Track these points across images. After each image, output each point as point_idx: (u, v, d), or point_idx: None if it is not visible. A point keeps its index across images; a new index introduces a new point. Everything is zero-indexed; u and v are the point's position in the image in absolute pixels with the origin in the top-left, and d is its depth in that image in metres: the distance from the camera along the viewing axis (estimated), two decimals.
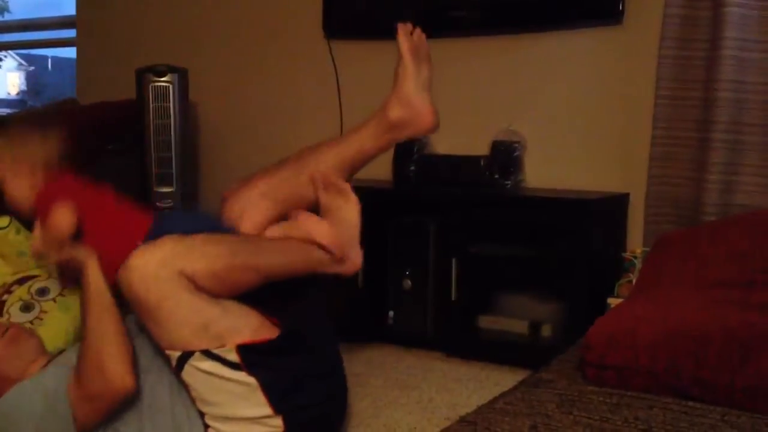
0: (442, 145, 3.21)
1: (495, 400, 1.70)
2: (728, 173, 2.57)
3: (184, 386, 1.72)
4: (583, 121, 2.95)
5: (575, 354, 1.86)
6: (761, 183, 2.56)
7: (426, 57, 2.23)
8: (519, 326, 2.70)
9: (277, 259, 1.80)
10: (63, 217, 1.81)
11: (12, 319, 2.73)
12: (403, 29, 2.20)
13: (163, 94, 3.26)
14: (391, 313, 2.86)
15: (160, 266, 1.62)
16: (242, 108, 3.77)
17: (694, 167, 2.63)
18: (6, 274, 2.90)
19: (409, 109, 2.16)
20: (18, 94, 6.94)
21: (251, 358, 1.67)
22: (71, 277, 1.87)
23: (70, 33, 4.49)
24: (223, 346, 1.66)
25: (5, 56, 5.98)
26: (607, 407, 1.59)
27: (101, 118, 3.68)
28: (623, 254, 2.65)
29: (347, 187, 2.05)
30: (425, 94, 2.18)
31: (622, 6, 2.80)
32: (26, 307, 2.78)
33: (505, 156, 2.95)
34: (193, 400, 1.74)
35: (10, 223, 2.96)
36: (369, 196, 3.04)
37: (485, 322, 2.77)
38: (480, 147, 3.02)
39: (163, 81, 3.26)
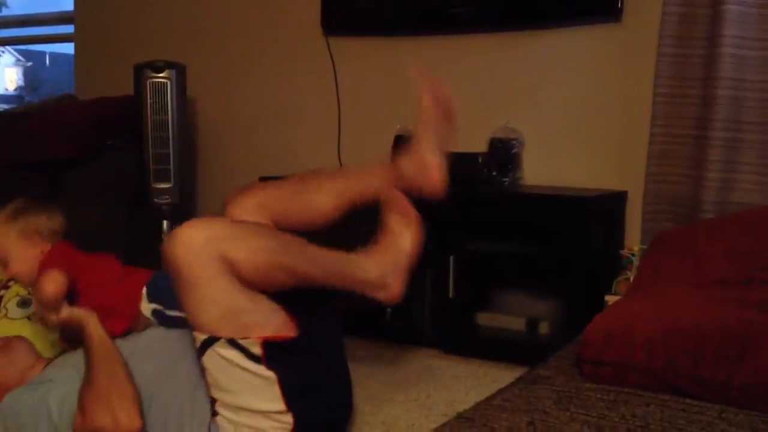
0: None
1: (492, 396, 1.70)
2: (726, 171, 2.57)
3: (202, 370, 1.73)
4: (582, 119, 2.95)
5: (573, 351, 1.86)
6: (759, 181, 2.56)
7: (450, 115, 2.13)
8: (517, 323, 2.70)
9: (318, 269, 1.79)
10: (52, 282, 1.86)
11: (9, 315, 2.73)
12: (427, 81, 2.09)
13: (160, 90, 3.26)
14: (388, 311, 2.86)
15: (205, 244, 1.63)
16: (240, 104, 3.76)
17: (692, 165, 2.63)
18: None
19: (422, 170, 2.07)
20: (16, 89, 6.92)
21: (273, 353, 1.68)
22: (73, 337, 1.88)
23: (68, 29, 4.48)
24: (247, 337, 1.67)
25: (3, 52, 5.97)
26: (604, 404, 1.59)
27: (99, 113, 3.68)
28: (621, 252, 2.65)
29: (414, 216, 2.00)
30: (441, 159, 2.09)
31: (621, 4, 2.80)
32: (23, 303, 2.78)
33: (503, 153, 2.95)
34: (207, 386, 1.75)
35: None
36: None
37: (483, 319, 2.77)
38: (478, 144, 3.02)
39: (161, 77, 3.26)
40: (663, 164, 2.68)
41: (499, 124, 3.01)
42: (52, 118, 3.76)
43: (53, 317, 1.91)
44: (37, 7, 5.14)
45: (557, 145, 2.99)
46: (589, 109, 2.94)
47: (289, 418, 1.72)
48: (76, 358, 1.84)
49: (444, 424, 1.52)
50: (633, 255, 2.56)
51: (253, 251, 1.67)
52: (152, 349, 1.91)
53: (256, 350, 1.68)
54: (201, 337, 1.69)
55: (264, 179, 3.25)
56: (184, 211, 3.61)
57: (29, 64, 7.00)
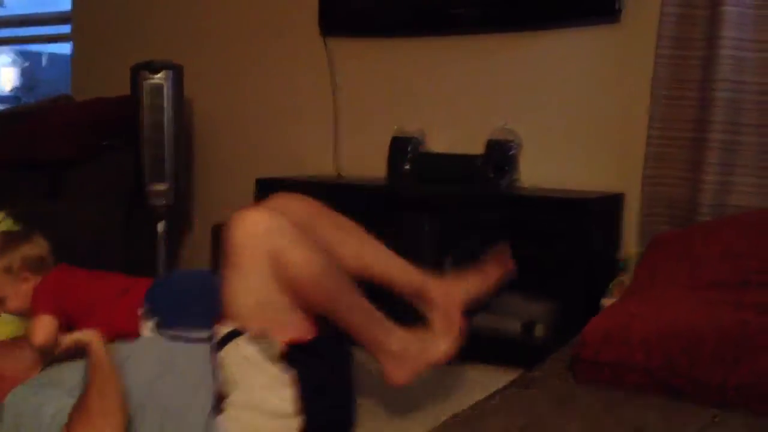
0: (438, 143, 3.20)
1: (487, 398, 1.69)
2: (724, 174, 2.55)
3: (215, 365, 1.74)
4: (580, 121, 2.95)
5: (568, 353, 1.85)
6: (757, 183, 2.55)
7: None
8: (512, 326, 2.69)
9: (353, 311, 1.82)
10: (41, 329, 1.86)
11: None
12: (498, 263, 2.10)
13: (157, 91, 3.25)
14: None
15: (265, 234, 1.67)
16: (238, 105, 3.75)
17: (689, 167, 2.62)
18: None
19: (446, 320, 2.05)
20: (12, 90, 6.90)
21: (293, 354, 1.70)
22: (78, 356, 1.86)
23: (65, 29, 4.47)
24: (267, 336, 1.69)
25: (0, 52, 5.96)
26: (600, 406, 1.58)
27: (96, 114, 3.67)
28: (618, 255, 2.63)
29: (458, 331, 2.00)
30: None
31: (620, 5, 2.79)
32: None
33: (501, 155, 2.94)
34: (218, 382, 1.75)
35: (4, 218, 2.95)
36: (363, 194, 3.06)
37: (478, 321, 2.75)
38: (475, 146, 3.01)
39: (158, 78, 3.25)
40: (660, 167, 2.67)
41: (496, 126, 3.00)
42: (49, 119, 3.75)
43: (56, 349, 1.88)
44: (34, 7, 5.11)
45: (555, 147, 2.98)
46: (587, 110, 2.93)
47: (295, 423, 1.72)
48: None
49: (438, 426, 1.51)
50: (629, 258, 2.55)
51: (306, 262, 1.70)
52: (151, 350, 1.90)
53: (278, 349, 1.69)
54: (224, 330, 1.71)
55: (261, 181, 3.25)
56: (179, 212, 3.61)
57: (26, 64, 6.98)
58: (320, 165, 3.49)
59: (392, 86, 3.35)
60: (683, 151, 2.63)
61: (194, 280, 2.03)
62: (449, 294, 2.05)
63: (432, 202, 2.86)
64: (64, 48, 4.67)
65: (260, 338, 1.69)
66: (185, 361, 1.84)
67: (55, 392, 1.78)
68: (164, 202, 3.25)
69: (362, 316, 1.85)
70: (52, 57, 6.86)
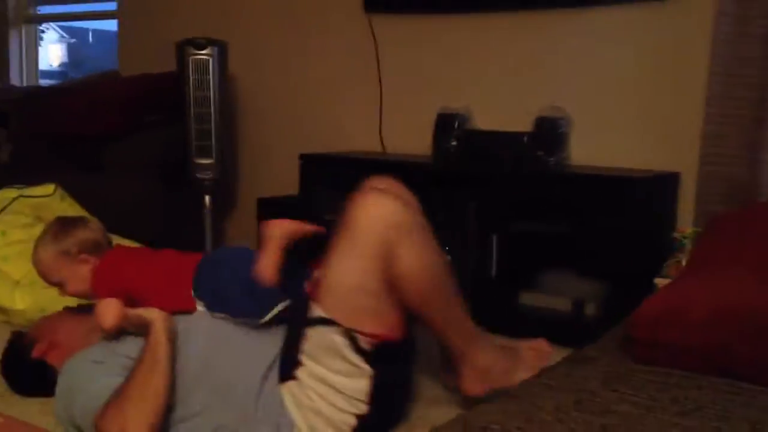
0: (484, 120, 3.16)
1: (538, 375, 1.67)
2: None
3: (299, 336, 1.75)
4: (632, 98, 2.88)
5: (621, 332, 1.81)
6: None
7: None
8: (562, 304, 2.65)
9: (448, 326, 1.83)
10: (108, 315, 1.81)
11: None
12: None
13: (202, 66, 3.25)
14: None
15: (390, 223, 1.68)
16: (281, 81, 3.74)
17: (748, 147, 2.55)
18: None
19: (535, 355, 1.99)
20: (59, 66, 6.99)
21: (379, 352, 1.71)
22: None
23: (111, 6, 4.49)
24: (357, 334, 1.70)
25: (47, 29, 6.02)
26: (654, 386, 1.55)
27: (142, 89, 3.70)
28: (673, 234, 2.58)
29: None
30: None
31: None
32: None
33: (550, 132, 2.89)
34: (299, 350, 1.76)
35: (54, 191, 2.99)
36: (408, 171, 3.03)
37: (527, 299, 2.73)
38: (523, 123, 2.97)
39: (203, 54, 3.25)
40: (717, 145, 2.60)
41: (545, 103, 2.95)
42: (96, 94, 3.79)
43: (126, 327, 1.87)
44: None
45: (606, 125, 2.92)
46: (639, 88, 2.86)
47: (359, 411, 1.74)
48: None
49: (491, 402, 1.49)
50: (685, 238, 2.49)
51: (419, 266, 1.71)
52: (206, 323, 1.91)
53: (366, 346, 1.71)
54: (320, 312, 1.71)
55: (305, 156, 3.25)
56: (224, 186, 3.62)
57: (73, 40, 7.05)
58: (365, 141, 3.47)
59: (438, 63, 3.31)
60: (742, 130, 2.56)
61: (238, 261, 2.01)
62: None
63: (478, 180, 2.82)
64: (110, 24, 4.70)
65: (350, 334, 1.70)
66: (239, 333, 1.86)
67: (106, 368, 1.78)
68: (210, 176, 3.26)
69: (456, 327, 1.85)
70: (98, 33, 6.93)
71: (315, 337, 1.73)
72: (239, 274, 1.93)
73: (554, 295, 2.67)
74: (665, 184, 2.75)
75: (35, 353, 1.96)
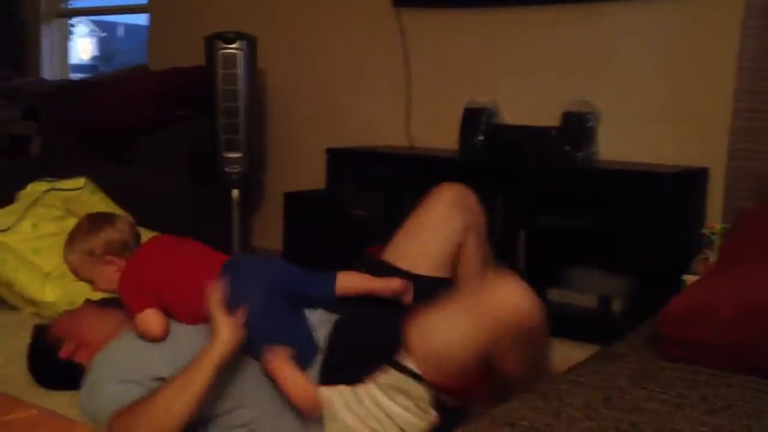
0: (511, 114, 3.16)
1: (566, 372, 1.67)
2: None
3: (381, 369, 1.70)
4: (660, 93, 2.87)
5: (649, 329, 1.80)
6: None
7: None
8: (588, 300, 2.65)
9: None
10: (153, 323, 1.80)
11: None
12: None
13: (231, 61, 3.27)
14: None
15: (521, 321, 1.61)
16: (309, 75, 3.76)
17: None
18: None
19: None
20: (90, 59, 7.05)
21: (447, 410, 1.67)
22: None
23: (142, 0, 4.54)
24: (447, 388, 1.64)
25: (78, 22, 6.08)
26: (683, 383, 1.54)
27: (171, 83, 3.73)
28: (701, 230, 2.56)
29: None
30: None
31: None
32: None
33: (578, 127, 2.89)
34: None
35: (85, 185, 3.03)
36: (435, 165, 3.04)
37: (553, 295, 2.72)
38: (551, 118, 2.96)
39: (232, 48, 3.27)
40: (747, 140, 2.59)
41: (573, 98, 2.94)
42: (125, 88, 3.82)
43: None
44: None
45: (635, 119, 2.91)
46: (668, 82, 2.85)
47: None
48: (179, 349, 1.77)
49: (518, 397, 1.49)
50: (714, 234, 2.47)
51: (519, 372, 1.65)
52: None
53: (446, 403, 1.66)
54: (411, 364, 1.64)
55: (332, 150, 3.26)
56: (252, 180, 3.64)
57: (103, 34, 7.11)
58: (392, 135, 3.48)
59: (465, 57, 3.31)
60: None
61: (268, 286, 1.87)
62: None
63: (505, 175, 2.82)
64: (140, 18, 4.73)
65: (435, 392, 1.64)
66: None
67: (126, 372, 1.77)
68: (238, 170, 3.28)
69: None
70: (128, 27, 6.99)
71: (395, 378, 1.67)
72: (270, 306, 1.81)
73: (581, 291, 2.67)
74: (694, 179, 2.73)
75: (63, 354, 1.95)
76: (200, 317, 1.78)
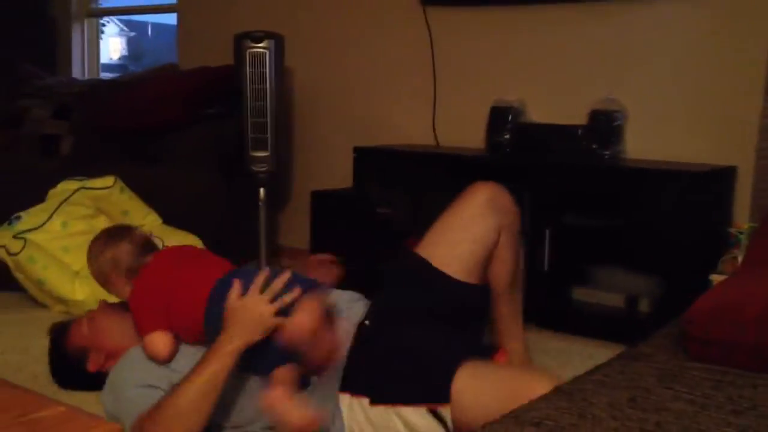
0: (538, 113, 3.15)
1: (591, 371, 1.66)
2: None
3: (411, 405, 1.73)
4: (688, 91, 2.84)
5: (676, 329, 1.79)
6: None
7: None
8: (614, 300, 2.64)
9: None
10: (159, 344, 1.80)
11: None
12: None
13: (259, 59, 3.28)
14: None
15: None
16: (337, 74, 3.77)
17: None
18: None
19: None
20: (119, 59, 7.12)
21: None
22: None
23: None
24: None
25: (107, 22, 6.14)
26: (709, 384, 1.53)
27: (199, 82, 3.76)
28: (729, 230, 2.54)
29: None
30: None
31: None
32: None
33: (605, 126, 2.87)
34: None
35: (114, 183, 3.06)
36: (461, 164, 3.04)
37: (579, 294, 2.72)
38: (578, 116, 2.95)
39: (260, 47, 3.27)
40: None
41: (600, 96, 2.93)
42: (155, 87, 3.86)
43: None
44: None
45: (663, 118, 2.89)
46: (696, 80, 2.83)
47: None
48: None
49: (541, 397, 1.49)
50: (741, 233, 2.45)
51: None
52: None
53: None
54: (441, 411, 1.68)
55: (359, 149, 3.27)
56: (279, 179, 3.66)
57: (132, 34, 7.17)
58: (418, 134, 3.48)
59: (492, 55, 3.31)
60: None
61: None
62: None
63: (532, 173, 2.81)
64: (169, 18, 4.77)
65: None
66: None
67: (141, 379, 1.79)
68: (265, 168, 3.29)
69: None
70: (157, 27, 7.04)
71: (426, 423, 1.70)
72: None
73: (607, 290, 2.66)
74: (722, 178, 2.71)
75: (93, 368, 1.96)
76: (201, 335, 1.78)
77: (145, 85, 3.96)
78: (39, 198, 3.03)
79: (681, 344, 1.72)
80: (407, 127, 3.53)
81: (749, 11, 2.69)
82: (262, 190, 3.35)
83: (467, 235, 2.01)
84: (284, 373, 1.71)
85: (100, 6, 5.28)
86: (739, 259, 2.32)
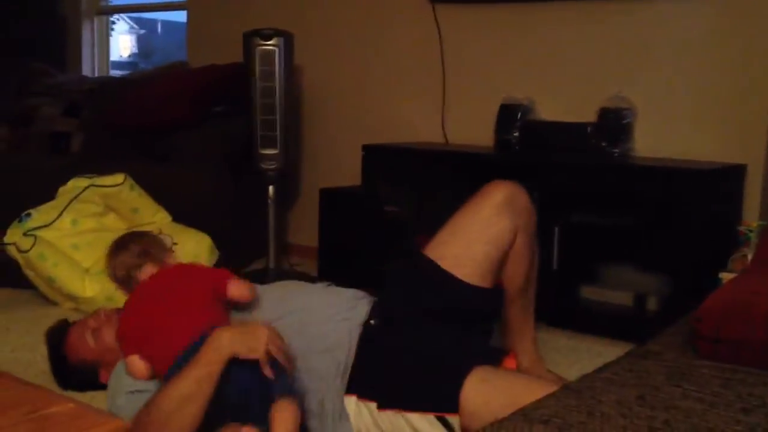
0: (547, 111, 3.14)
1: (600, 369, 1.65)
2: None
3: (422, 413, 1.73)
4: (698, 89, 2.84)
5: (685, 327, 1.79)
6: None
7: None
8: (623, 298, 2.63)
9: None
10: (137, 365, 1.79)
11: None
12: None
13: (269, 57, 3.28)
14: None
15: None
16: (346, 72, 3.77)
17: None
18: (120, 229, 3.02)
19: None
20: (129, 56, 7.13)
21: None
22: None
23: None
24: None
25: (117, 19, 6.16)
26: (718, 382, 1.53)
27: (208, 80, 3.76)
28: (738, 228, 2.53)
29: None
30: None
31: None
32: None
33: (614, 123, 2.87)
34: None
35: (124, 181, 3.07)
36: (470, 162, 3.03)
37: (587, 292, 2.71)
38: (587, 114, 2.94)
39: (269, 45, 3.28)
40: None
41: (609, 93, 2.92)
42: (164, 85, 3.87)
43: None
44: None
45: (673, 116, 2.88)
46: (706, 79, 2.82)
47: None
48: None
49: (550, 395, 1.49)
50: (751, 231, 2.45)
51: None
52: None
53: None
54: (450, 419, 1.69)
55: (367, 147, 3.27)
56: (288, 177, 3.67)
57: (142, 31, 7.18)
58: (427, 132, 3.48)
59: (501, 53, 3.30)
60: None
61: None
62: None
63: (541, 170, 2.81)
64: (179, 15, 4.78)
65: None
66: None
67: (130, 385, 1.80)
68: (274, 166, 3.29)
69: None
70: (167, 24, 7.06)
71: (431, 427, 1.71)
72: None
73: (616, 289, 2.65)
74: (731, 176, 2.71)
75: (105, 380, 1.96)
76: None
77: (154, 83, 3.97)
78: (49, 195, 3.04)
79: (690, 342, 1.71)
80: (416, 124, 3.53)
81: (760, 9, 2.68)
82: (271, 187, 3.35)
83: (482, 237, 1.97)
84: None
85: (110, 4, 5.30)
86: (749, 257, 2.32)
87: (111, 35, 5.40)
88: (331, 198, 3.29)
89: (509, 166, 2.93)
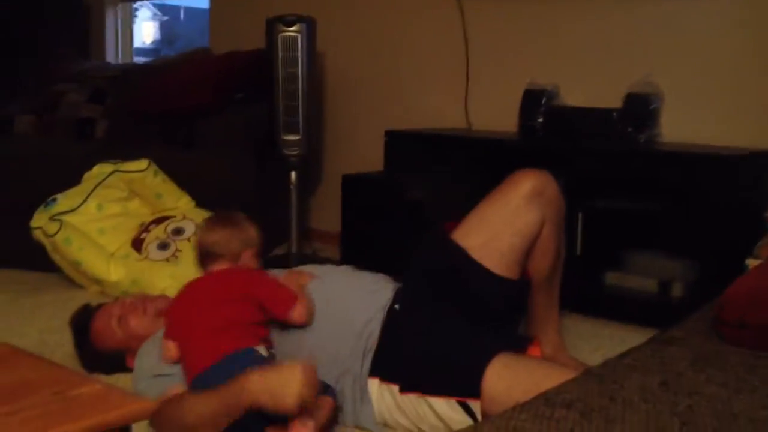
0: (572, 96, 3.12)
1: (623, 355, 1.65)
2: None
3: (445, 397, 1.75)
4: (725, 74, 2.80)
5: (710, 313, 1.77)
6: None
7: None
8: (648, 284, 2.61)
9: None
10: (171, 350, 1.81)
11: (150, 256, 2.87)
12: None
13: (291, 43, 3.28)
14: None
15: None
16: (368, 59, 3.77)
17: None
18: (145, 214, 3.05)
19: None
20: (152, 43, 7.16)
21: None
22: None
23: None
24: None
25: (140, 6, 6.18)
26: (743, 368, 1.52)
27: (231, 66, 3.77)
28: (765, 214, 2.51)
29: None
30: None
31: None
32: (163, 246, 2.91)
33: (641, 109, 2.84)
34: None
35: (148, 166, 3.09)
36: (494, 148, 3.02)
37: (612, 278, 2.69)
38: (613, 99, 2.92)
39: (292, 31, 3.28)
40: None
41: (636, 79, 2.89)
42: (187, 71, 3.88)
43: None
44: None
45: (699, 101, 2.85)
46: (733, 63, 2.78)
47: None
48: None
49: (573, 379, 1.49)
50: None
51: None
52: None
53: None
54: (471, 404, 1.70)
55: (390, 133, 3.27)
56: (310, 162, 3.67)
57: (165, 18, 7.21)
58: (451, 118, 3.47)
59: (525, 38, 3.28)
60: None
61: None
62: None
63: (565, 156, 2.79)
64: (201, 2, 4.80)
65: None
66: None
67: (153, 369, 1.83)
68: (297, 152, 3.30)
69: None
70: (190, 11, 7.08)
71: (456, 415, 1.73)
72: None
73: (641, 275, 2.63)
74: (758, 162, 2.68)
75: (132, 364, 1.98)
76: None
77: (177, 69, 3.98)
78: (75, 180, 3.07)
79: (714, 328, 1.70)
80: (439, 110, 3.52)
81: None
82: (293, 173, 3.36)
83: (510, 228, 1.95)
84: None
85: None
86: None
87: (134, 22, 5.42)
88: (353, 184, 3.29)
89: (533, 152, 2.92)
